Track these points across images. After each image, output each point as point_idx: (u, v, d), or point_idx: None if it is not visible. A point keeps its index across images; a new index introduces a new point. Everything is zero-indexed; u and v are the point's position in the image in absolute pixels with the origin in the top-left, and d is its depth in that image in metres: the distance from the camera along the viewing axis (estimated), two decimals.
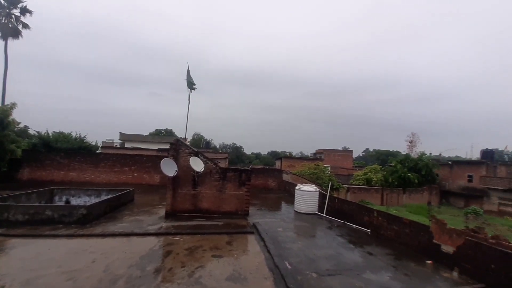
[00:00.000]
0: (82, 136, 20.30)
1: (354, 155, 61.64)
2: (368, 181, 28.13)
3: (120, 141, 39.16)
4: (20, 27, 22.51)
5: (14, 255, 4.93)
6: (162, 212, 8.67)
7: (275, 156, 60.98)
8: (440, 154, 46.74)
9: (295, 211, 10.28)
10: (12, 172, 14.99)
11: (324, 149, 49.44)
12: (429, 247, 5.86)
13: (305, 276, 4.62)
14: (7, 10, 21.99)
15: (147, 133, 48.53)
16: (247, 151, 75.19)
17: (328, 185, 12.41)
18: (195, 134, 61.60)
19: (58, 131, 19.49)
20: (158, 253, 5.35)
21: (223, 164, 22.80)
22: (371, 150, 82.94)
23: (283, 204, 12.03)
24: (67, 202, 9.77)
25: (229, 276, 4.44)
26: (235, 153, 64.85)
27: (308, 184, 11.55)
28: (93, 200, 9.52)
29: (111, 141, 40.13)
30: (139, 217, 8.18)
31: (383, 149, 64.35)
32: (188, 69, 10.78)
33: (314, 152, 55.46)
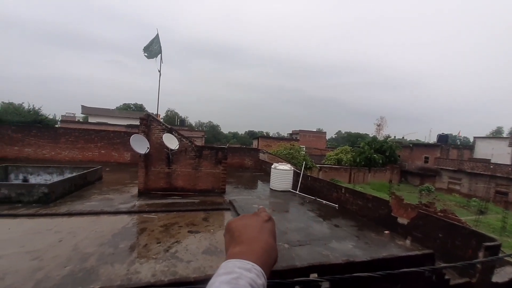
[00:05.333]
0: (37, 108, 18.19)
1: (328, 137, 64.48)
2: (339, 161, 29.92)
3: (82, 115, 35.82)
4: None
5: None
6: (134, 190, 8.38)
7: (252, 135, 61.25)
8: (403, 137, 51.01)
9: (271, 188, 10.65)
10: None
11: (300, 130, 50.76)
12: (388, 219, 6.56)
13: (278, 247, 4.92)
14: None
15: (113, 107, 44.94)
16: (224, 130, 74.30)
17: (302, 164, 12.96)
18: (168, 110, 58.57)
19: (7, 101, 17.15)
20: (132, 230, 5.25)
21: (199, 143, 22.37)
22: (343, 132, 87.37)
23: (259, 182, 12.36)
24: (25, 180, 8.93)
25: (205, 250, 4.56)
26: (211, 131, 63.65)
27: (283, 163, 11.92)
28: (55, 178, 8.82)
29: (71, 114, 36.50)
30: (109, 195, 7.82)
31: (353, 132, 68.17)
32: (158, 35, 9.79)
33: (291, 132, 56.68)
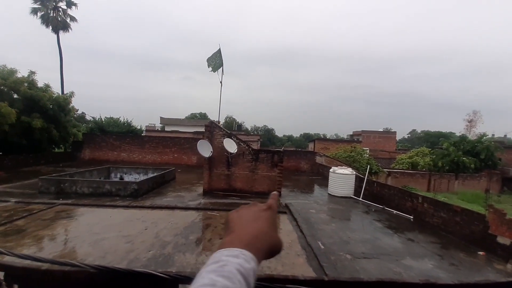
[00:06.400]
0: (129, 121, 22.53)
1: (398, 137, 56.50)
2: (414, 166, 25.78)
3: (161, 125, 42.39)
4: (68, 20, 24.10)
5: (82, 221, 5.90)
6: (200, 190, 9.33)
7: (308, 138, 59.44)
8: (505, 135, 40.03)
9: (329, 194, 10.07)
10: (76, 152, 17.59)
11: (362, 131, 46.25)
12: (483, 238, 5.25)
13: (339, 257, 4.60)
14: (54, 3, 23.28)
15: (183, 117, 51.44)
16: (279, 133, 74.71)
17: (366, 168, 11.75)
18: (227, 117, 63.12)
19: (108, 116, 21.92)
20: (199, 225, 5.86)
21: (255, 146, 23.19)
22: (419, 131, 74.94)
23: (316, 187, 11.86)
24: (121, 178, 11.16)
25: None
26: (266, 135, 65.02)
27: (343, 167, 11.10)
28: (142, 177, 10.69)
29: (153, 125, 43.68)
30: (181, 193, 8.96)
31: (433, 130, 57.56)
32: (220, 50, 10.75)
33: (351, 134, 52.38)
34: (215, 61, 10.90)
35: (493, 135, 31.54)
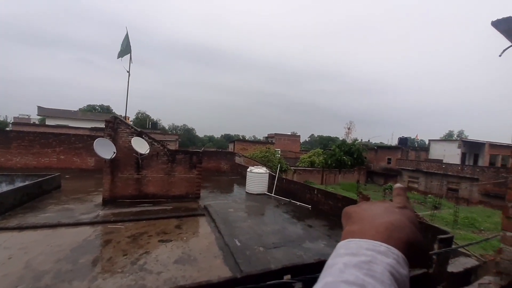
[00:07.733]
0: None
1: (301, 140, 66.64)
2: (312, 164, 31.05)
3: (39, 116, 32.38)
4: None
5: None
6: (98, 199, 7.75)
7: (229, 139, 60.82)
8: (368, 140, 54.85)
9: (247, 192, 10.63)
10: None
11: (275, 134, 51.63)
12: None
13: (253, 251, 4.93)
14: None
15: (77, 109, 41.37)
16: (200, 133, 72.80)
17: (277, 167, 13.21)
18: (139, 112, 55.53)
19: None
20: (95, 243, 4.83)
21: (173, 147, 21.57)
22: (316, 135, 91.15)
23: (235, 186, 12.27)
24: None
25: (177, 259, 4.37)
26: (186, 135, 61.80)
27: (259, 166, 11.99)
28: (4, 188, 7.79)
29: (26, 116, 32.85)
30: (69, 205, 7.13)
31: (325, 135, 71.58)
32: (127, 34, 9.30)
33: (266, 136, 57.41)
34: (122, 47, 9.35)
35: (361, 139, 42.63)
